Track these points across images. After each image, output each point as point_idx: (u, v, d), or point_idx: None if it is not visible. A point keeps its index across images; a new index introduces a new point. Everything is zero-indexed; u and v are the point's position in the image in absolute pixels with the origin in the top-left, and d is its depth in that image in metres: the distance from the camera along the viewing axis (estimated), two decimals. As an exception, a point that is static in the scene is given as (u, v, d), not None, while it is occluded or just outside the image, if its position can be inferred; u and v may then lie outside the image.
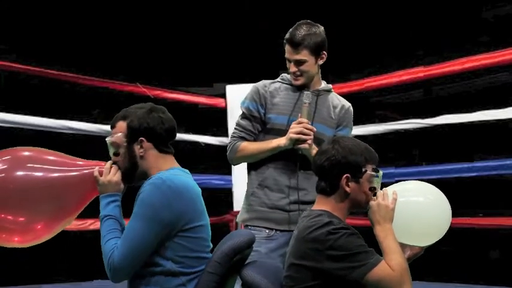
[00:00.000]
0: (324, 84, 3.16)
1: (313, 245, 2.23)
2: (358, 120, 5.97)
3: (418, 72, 5.72)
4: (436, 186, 2.48)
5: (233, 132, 3.13)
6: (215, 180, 6.10)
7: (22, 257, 6.16)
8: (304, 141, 2.94)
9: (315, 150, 2.92)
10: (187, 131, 6.32)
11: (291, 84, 3.10)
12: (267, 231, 3.01)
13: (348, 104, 3.18)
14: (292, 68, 3.04)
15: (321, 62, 3.08)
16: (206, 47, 7.07)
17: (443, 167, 5.53)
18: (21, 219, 2.44)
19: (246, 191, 3.15)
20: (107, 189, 2.47)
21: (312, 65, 3.04)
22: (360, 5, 6.92)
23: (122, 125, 2.49)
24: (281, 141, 2.98)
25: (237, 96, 6.24)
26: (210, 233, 2.49)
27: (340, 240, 2.21)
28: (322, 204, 2.38)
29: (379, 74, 6.02)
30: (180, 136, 6.21)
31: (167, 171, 2.44)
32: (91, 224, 5.45)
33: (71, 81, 5.79)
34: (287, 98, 3.07)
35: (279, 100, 3.07)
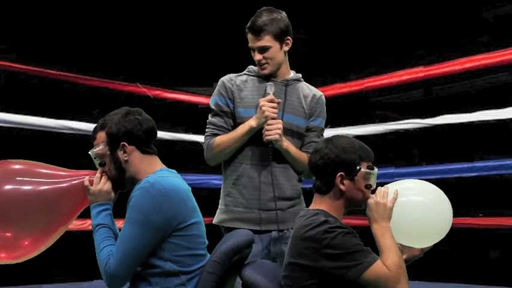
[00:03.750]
0: (293, 74, 3.08)
1: (309, 244, 2.24)
2: (358, 120, 6.00)
3: (418, 72, 5.72)
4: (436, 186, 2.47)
5: (205, 132, 3.05)
6: (215, 180, 6.09)
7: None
8: (274, 119, 2.87)
9: (285, 142, 2.89)
10: (187, 131, 6.32)
11: (257, 76, 3.03)
12: None
13: (319, 93, 3.10)
14: (257, 56, 2.97)
15: (286, 48, 3.00)
16: (206, 47, 7.06)
17: (443, 167, 5.52)
18: (8, 234, 2.41)
19: (221, 192, 3.07)
20: (97, 199, 2.48)
21: (276, 51, 2.97)
22: (360, 5, 6.92)
23: (101, 135, 2.53)
24: (251, 122, 2.90)
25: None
26: (205, 230, 2.49)
27: (336, 239, 2.21)
28: (318, 204, 2.39)
29: (379, 74, 6.02)
30: (180, 136, 6.22)
31: (154, 174, 2.44)
32: (91, 224, 5.44)
33: (71, 81, 5.79)
34: (254, 91, 3.00)
35: (246, 93, 3.00)
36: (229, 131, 2.99)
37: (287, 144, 2.92)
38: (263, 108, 2.87)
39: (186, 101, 6.47)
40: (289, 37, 3.00)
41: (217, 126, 3.01)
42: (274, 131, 2.86)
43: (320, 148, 2.40)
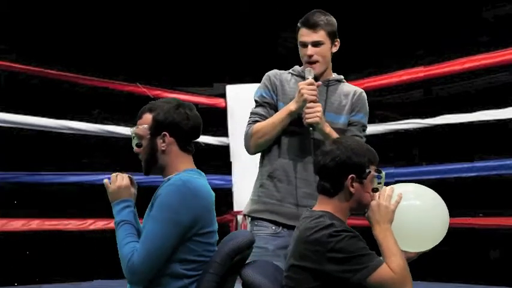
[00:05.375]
0: (334, 75, 3.10)
1: (314, 247, 2.23)
2: (358, 120, 5.99)
3: (418, 72, 5.72)
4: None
5: (247, 122, 3.03)
6: (215, 180, 6.09)
7: (22, 257, 6.17)
8: (314, 101, 2.84)
9: (328, 127, 2.87)
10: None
11: (301, 76, 3.02)
12: (274, 227, 2.91)
13: (360, 90, 3.09)
14: (310, 51, 2.95)
15: (334, 49, 3.03)
16: (206, 47, 7.07)
17: (443, 167, 5.53)
18: None
19: (255, 183, 3.04)
20: (119, 195, 2.45)
21: (327, 49, 2.99)
22: (360, 5, 6.92)
23: (147, 117, 2.48)
24: (290, 106, 2.89)
25: (237, 96, 6.26)
26: (217, 238, 2.48)
27: (341, 243, 2.21)
28: (324, 205, 2.37)
29: (379, 74, 6.02)
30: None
31: (185, 172, 2.43)
32: (91, 224, 5.45)
33: (71, 81, 5.79)
34: (296, 88, 2.96)
35: (288, 89, 3.00)
36: None
37: (330, 130, 2.88)
38: (302, 91, 2.86)
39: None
40: (338, 40, 3.05)
41: (259, 115, 2.99)
42: (314, 113, 2.84)
43: (330, 149, 2.36)
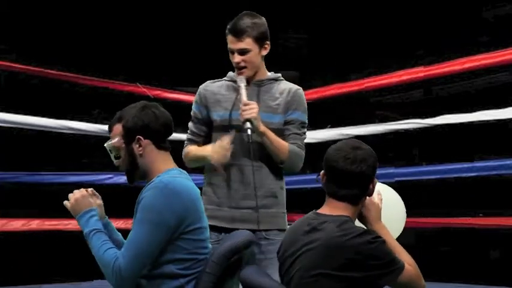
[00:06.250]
0: (270, 74, 3.12)
1: (350, 255, 2.19)
2: (358, 121, 6.00)
3: (418, 72, 5.71)
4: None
5: (186, 136, 3.17)
6: (215, 180, 6.09)
7: (22, 257, 6.17)
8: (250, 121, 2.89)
9: (263, 127, 2.93)
10: (186, 131, 6.32)
11: (233, 81, 3.08)
12: (215, 234, 2.94)
13: (295, 87, 3.10)
14: (236, 58, 3.01)
15: (264, 52, 3.05)
16: (206, 46, 7.06)
17: (443, 167, 5.52)
18: None
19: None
20: (79, 208, 2.46)
21: (255, 55, 3.01)
22: (360, 5, 6.92)
23: (118, 127, 2.50)
24: (208, 150, 2.97)
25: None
26: (209, 235, 2.48)
27: (378, 249, 2.20)
28: (341, 210, 2.30)
29: (379, 74, 6.01)
30: (179, 136, 6.21)
31: (166, 174, 2.43)
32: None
33: (71, 81, 5.78)
34: (228, 94, 3.05)
35: (220, 97, 3.06)
36: (202, 137, 3.10)
37: (264, 129, 2.94)
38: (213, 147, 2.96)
39: (186, 101, 6.46)
40: (268, 42, 3.05)
41: (192, 132, 3.13)
42: (250, 110, 2.90)
43: (363, 156, 2.28)
